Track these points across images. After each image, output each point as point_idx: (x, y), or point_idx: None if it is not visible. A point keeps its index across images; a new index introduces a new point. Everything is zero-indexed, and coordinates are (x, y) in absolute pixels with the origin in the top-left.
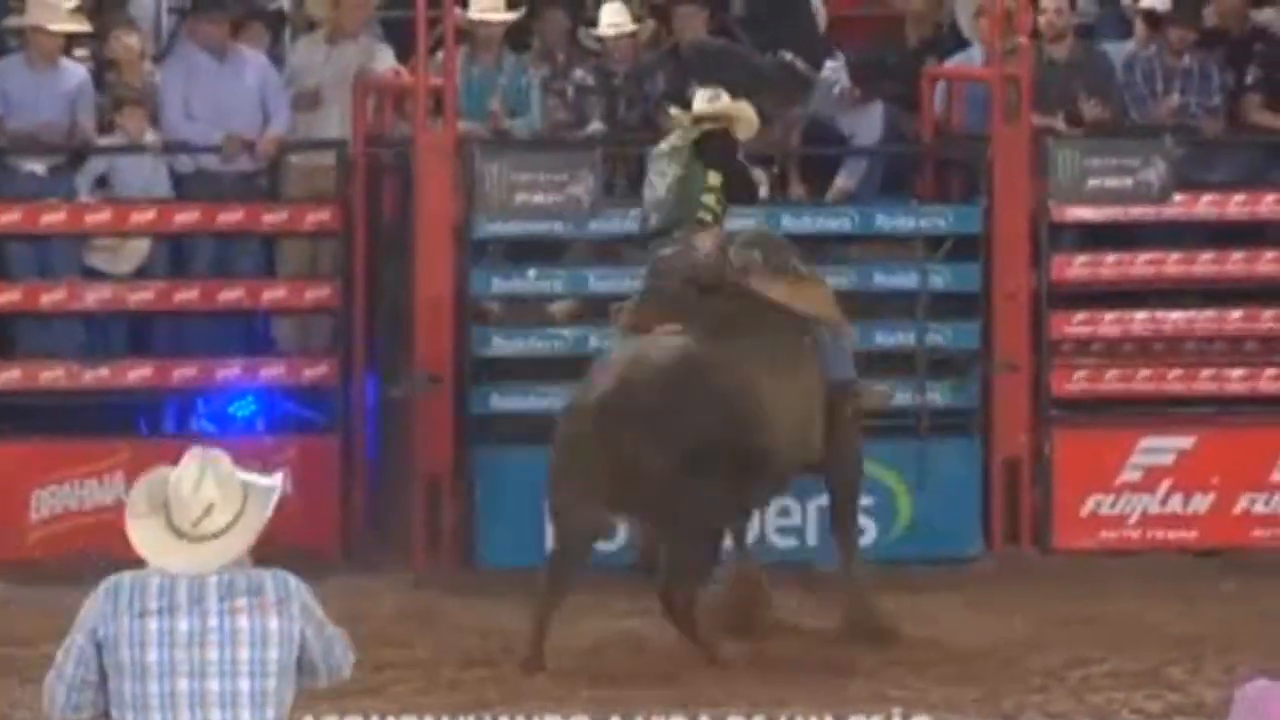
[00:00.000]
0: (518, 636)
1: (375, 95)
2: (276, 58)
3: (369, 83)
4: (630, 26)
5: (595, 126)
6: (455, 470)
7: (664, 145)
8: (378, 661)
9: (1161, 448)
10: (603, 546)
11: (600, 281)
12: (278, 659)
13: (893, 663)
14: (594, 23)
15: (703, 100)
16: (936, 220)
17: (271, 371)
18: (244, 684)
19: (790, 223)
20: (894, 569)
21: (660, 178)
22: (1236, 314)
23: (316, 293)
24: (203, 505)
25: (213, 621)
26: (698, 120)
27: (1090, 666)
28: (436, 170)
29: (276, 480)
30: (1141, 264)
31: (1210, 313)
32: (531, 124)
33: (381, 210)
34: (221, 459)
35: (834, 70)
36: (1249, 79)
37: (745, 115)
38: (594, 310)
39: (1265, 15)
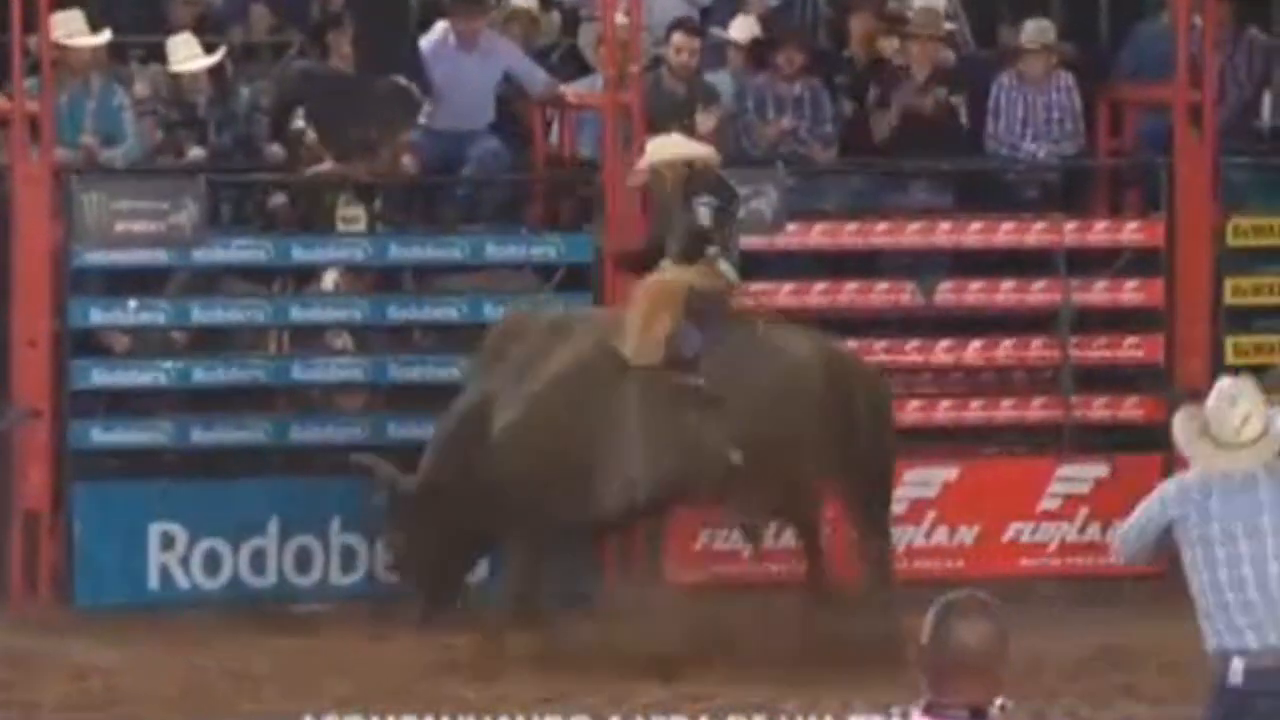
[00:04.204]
0: (117, 675)
1: None
2: None
3: None
4: (205, 60)
5: (196, 153)
6: (54, 506)
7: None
8: None
9: None
10: None
11: (204, 313)
12: None
13: (500, 699)
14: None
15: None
16: (547, 249)
17: None
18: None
19: (399, 252)
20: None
21: None
22: (850, 344)
23: None
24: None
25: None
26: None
27: (704, 702)
28: (34, 200)
29: None
30: (752, 295)
31: None
32: (129, 151)
33: None
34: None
35: None
36: (870, 98)
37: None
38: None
39: (882, 45)
